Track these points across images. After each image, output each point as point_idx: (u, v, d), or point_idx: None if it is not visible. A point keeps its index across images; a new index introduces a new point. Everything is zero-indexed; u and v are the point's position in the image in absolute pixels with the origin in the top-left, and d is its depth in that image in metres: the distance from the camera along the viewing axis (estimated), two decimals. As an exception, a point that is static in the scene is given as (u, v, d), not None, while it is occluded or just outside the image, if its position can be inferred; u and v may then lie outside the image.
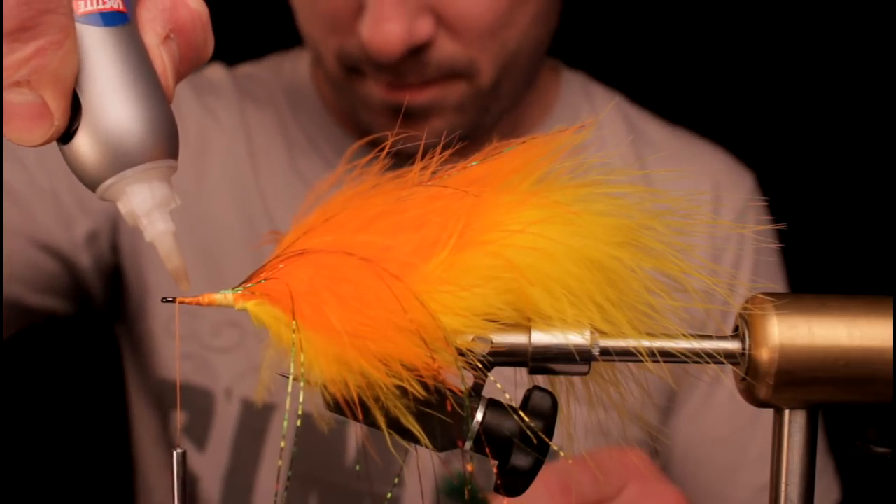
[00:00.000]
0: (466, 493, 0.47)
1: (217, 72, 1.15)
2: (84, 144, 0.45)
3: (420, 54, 0.92)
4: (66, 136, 0.45)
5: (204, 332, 1.05)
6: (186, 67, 0.48)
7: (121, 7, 0.45)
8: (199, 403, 1.05)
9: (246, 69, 1.17)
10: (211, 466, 1.05)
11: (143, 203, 0.46)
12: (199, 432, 1.05)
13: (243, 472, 1.05)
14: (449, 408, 0.46)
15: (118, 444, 1.23)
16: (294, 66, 1.15)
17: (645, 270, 0.48)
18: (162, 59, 0.46)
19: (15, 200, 1.04)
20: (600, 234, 0.48)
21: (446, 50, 0.93)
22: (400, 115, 0.94)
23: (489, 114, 1.00)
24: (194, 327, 1.05)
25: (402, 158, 0.52)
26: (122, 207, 0.46)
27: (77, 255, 1.06)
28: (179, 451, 0.48)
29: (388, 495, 1.01)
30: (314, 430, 1.02)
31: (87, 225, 1.06)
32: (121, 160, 0.44)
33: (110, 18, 0.45)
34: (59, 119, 0.43)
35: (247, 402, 1.05)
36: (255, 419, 1.04)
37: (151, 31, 0.46)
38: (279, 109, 1.12)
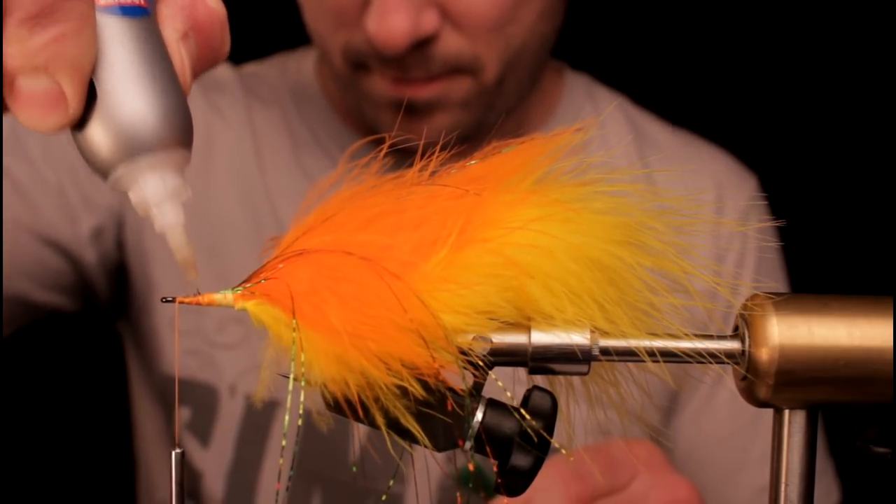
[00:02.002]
0: (471, 485, 0.47)
1: (223, 70, 1.15)
2: (98, 132, 0.45)
3: (425, 48, 0.92)
4: (80, 123, 0.45)
5: (208, 329, 1.05)
6: (203, 65, 0.49)
7: (141, 2, 0.46)
8: (203, 400, 1.05)
9: (251, 68, 1.17)
10: (214, 463, 1.05)
11: (155, 192, 0.46)
12: (202, 429, 1.05)
13: (247, 468, 1.05)
14: (449, 407, 0.46)
15: (121, 440, 1.23)
16: (299, 65, 1.15)
17: (645, 269, 0.48)
18: (180, 55, 0.47)
19: (20, 195, 1.04)
20: (600, 232, 0.48)
21: (451, 44, 0.93)
22: (406, 110, 0.95)
23: (493, 111, 1.00)
24: (199, 323, 1.05)
25: (405, 156, 0.52)
26: (134, 196, 0.46)
27: (82, 251, 1.06)
28: (178, 451, 0.48)
29: (384, 497, 1.01)
30: (318, 427, 1.03)
31: (92, 221, 1.06)
32: (134, 147, 0.45)
33: (130, 11, 0.45)
34: (74, 107, 0.44)
35: (251, 398, 1.05)
36: (259, 416, 1.04)
37: (171, 27, 0.47)
38: (284, 108, 1.12)
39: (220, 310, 1.04)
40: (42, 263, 1.05)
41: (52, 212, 1.05)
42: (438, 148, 0.51)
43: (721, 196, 1.11)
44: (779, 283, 1.14)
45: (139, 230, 1.07)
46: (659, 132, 1.16)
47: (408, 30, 0.89)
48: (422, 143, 0.51)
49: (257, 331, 1.11)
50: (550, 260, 0.47)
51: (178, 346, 1.07)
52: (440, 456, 0.48)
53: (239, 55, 1.18)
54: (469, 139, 0.94)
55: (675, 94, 1.43)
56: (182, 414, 1.06)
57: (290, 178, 1.09)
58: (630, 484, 0.76)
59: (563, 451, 0.49)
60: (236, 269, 1.04)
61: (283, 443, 0.46)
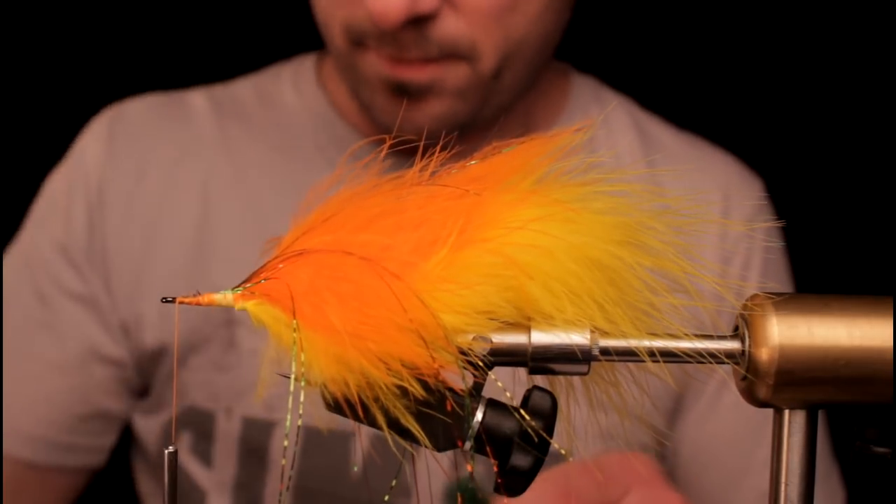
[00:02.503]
0: (459, 492, 0.47)
1: (194, 96, 1.16)
2: None
3: (422, 27, 0.92)
4: None
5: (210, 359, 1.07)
6: None
7: None
8: (202, 425, 1.06)
9: (233, 85, 1.18)
10: (218, 481, 1.06)
11: None
12: (203, 449, 1.06)
13: (250, 486, 1.05)
14: (449, 407, 0.46)
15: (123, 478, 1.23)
16: (296, 71, 1.15)
17: (646, 269, 0.48)
18: None
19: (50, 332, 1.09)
20: (601, 232, 0.48)
21: (449, 27, 0.93)
22: (400, 92, 0.95)
23: (488, 105, 1.00)
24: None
25: (405, 156, 0.52)
26: None
27: (122, 351, 1.10)
28: (171, 449, 0.48)
29: (386, 497, 1.01)
30: (319, 442, 1.03)
31: (93, 289, 1.09)
32: None
33: None
34: None
35: (248, 419, 1.05)
36: (258, 436, 1.04)
37: None
38: (276, 117, 1.12)
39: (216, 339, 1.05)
40: (103, 377, 1.09)
41: (87, 328, 1.09)
42: (439, 147, 0.51)
43: (727, 199, 1.11)
44: (784, 286, 1.14)
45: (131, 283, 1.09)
46: (664, 134, 1.16)
47: (405, 4, 0.89)
48: (422, 143, 0.51)
49: (249, 352, 1.13)
50: (550, 260, 0.47)
51: (178, 345, 1.07)
52: (446, 464, 0.48)
53: (244, 63, 1.19)
54: (463, 133, 0.94)
55: (680, 98, 1.43)
56: (182, 438, 1.07)
57: (282, 189, 1.08)
58: (622, 499, 0.76)
59: (563, 451, 0.49)
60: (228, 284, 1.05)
61: (285, 443, 0.46)
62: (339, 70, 1.05)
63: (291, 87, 1.14)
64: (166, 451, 0.48)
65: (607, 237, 0.48)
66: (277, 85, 1.15)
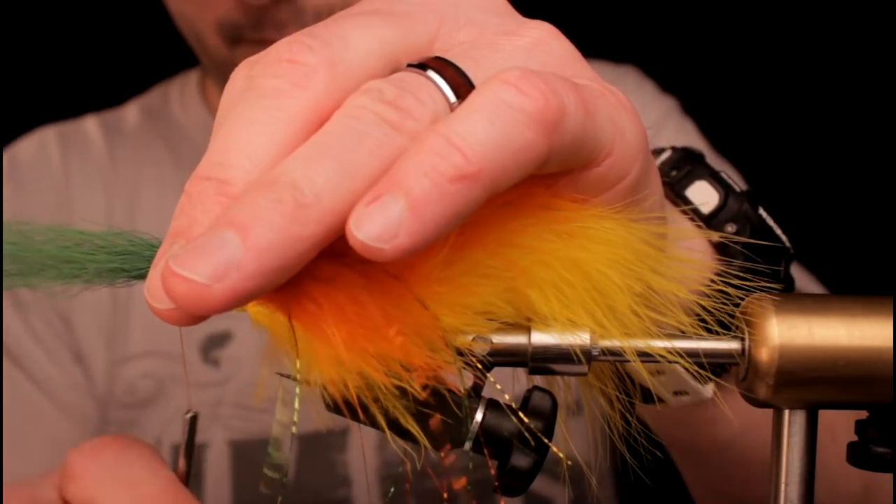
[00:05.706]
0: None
1: (87, 123, 1.16)
2: None
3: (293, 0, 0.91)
4: None
5: (118, 393, 1.06)
6: None
7: None
8: None
9: (124, 110, 1.19)
10: None
11: None
12: None
13: None
14: (449, 408, 0.46)
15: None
16: (181, 87, 1.17)
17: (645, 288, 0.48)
18: None
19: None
20: (599, 249, 0.47)
21: None
22: None
23: None
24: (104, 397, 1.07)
25: None
26: None
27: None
28: (190, 413, 0.48)
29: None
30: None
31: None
32: None
33: None
34: None
35: (176, 446, 1.05)
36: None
37: None
38: (168, 136, 1.13)
39: (124, 370, 1.06)
40: None
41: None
42: None
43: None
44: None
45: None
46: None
47: None
48: None
49: (171, 377, 1.14)
50: (551, 260, 0.47)
51: (182, 341, 1.07)
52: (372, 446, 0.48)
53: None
54: None
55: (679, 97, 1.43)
56: None
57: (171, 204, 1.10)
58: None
59: (561, 455, 0.49)
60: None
61: (270, 449, 0.46)
62: (218, 80, 1.04)
63: (179, 104, 1.15)
64: (187, 416, 0.48)
65: (604, 256, 0.47)
66: (165, 103, 1.16)
